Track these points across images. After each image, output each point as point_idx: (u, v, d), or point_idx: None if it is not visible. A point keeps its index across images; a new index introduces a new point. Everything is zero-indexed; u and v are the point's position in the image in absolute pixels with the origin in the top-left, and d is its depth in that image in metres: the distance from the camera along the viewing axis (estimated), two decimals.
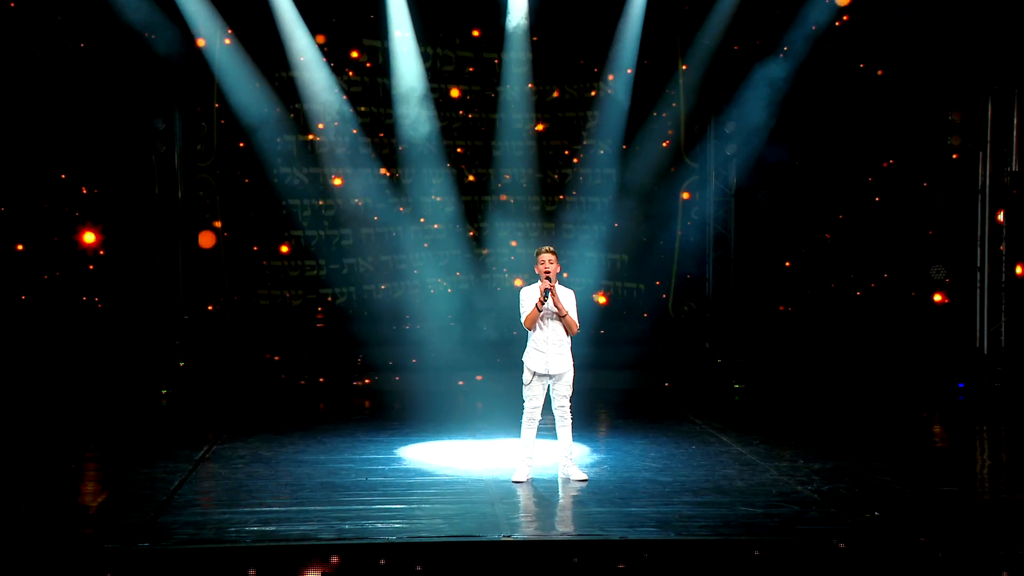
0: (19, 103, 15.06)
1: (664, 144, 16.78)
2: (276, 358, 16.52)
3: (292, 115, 16.28)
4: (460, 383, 16.20)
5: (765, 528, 8.29)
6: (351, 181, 16.52)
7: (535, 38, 16.35)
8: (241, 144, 16.11)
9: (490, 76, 16.81)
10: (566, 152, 16.95)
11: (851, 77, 16.32)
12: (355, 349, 16.54)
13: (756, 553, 7.80)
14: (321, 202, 16.49)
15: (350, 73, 16.43)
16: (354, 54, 16.39)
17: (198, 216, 16.22)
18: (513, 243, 16.84)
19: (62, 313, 15.69)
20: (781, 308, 16.87)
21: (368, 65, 16.49)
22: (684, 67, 16.58)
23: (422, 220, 16.78)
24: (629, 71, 16.38)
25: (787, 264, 16.87)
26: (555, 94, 16.84)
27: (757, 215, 16.82)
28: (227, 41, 15.74)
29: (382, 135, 16.61)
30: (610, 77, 16.63)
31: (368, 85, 16.57)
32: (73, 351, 15.52)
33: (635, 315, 16.95)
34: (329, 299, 16.64)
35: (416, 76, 16.39)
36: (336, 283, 16.66)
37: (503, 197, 16.87)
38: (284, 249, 16.44)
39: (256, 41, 15.97)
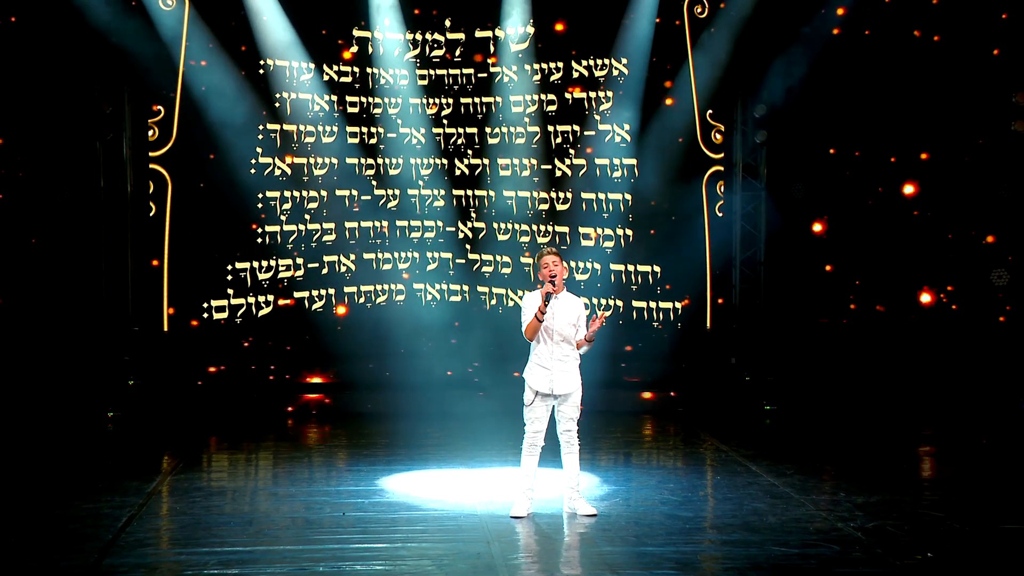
0: None
1: (680, 135, 16.81)
2: (243, 371, 16.54)
3: (277, 104, 16.41)
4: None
5: (801, 571, 8.28)
6: (335, 172, 16.63)
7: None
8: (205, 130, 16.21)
9: (484, 56, 16.83)
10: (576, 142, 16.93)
11: (903, 51, 16.33)
12: (332, 364, 16.56)
13: None
14: (304, 193, 16.63)
15: (339, 65, 16.59)
16: (346, 54, 16.56)
17: (147, 212, 16.23)
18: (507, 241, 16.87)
19: None
20: (819, 319, 16.85)
21: (356, 54, 16.62)
22: (690, 39, 16.63)
23: (405, 222, 16.86)
24: (645, 41, 16.49)
25: (827, 268, 16.85)
26: (560, 72, 16.86)
27: (791, 212, 16.81)
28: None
29: (370, 126, 16.73)
30: (623, 61, 16.66)
31: (357, 75, 16.67)
32: (4, 367, 15.47)
33: (653, 328, 16.92)
34: (305, 304, 16.66)
35: (403, 63, 16.56)
36: (314, 285, 16.68)
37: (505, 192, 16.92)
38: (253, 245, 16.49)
39: (234, 25, 16.16)
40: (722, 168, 16.84)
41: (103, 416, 15.55)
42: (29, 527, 9.53)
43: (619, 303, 16.89)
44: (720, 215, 16.85)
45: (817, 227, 16.83)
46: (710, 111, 16.73)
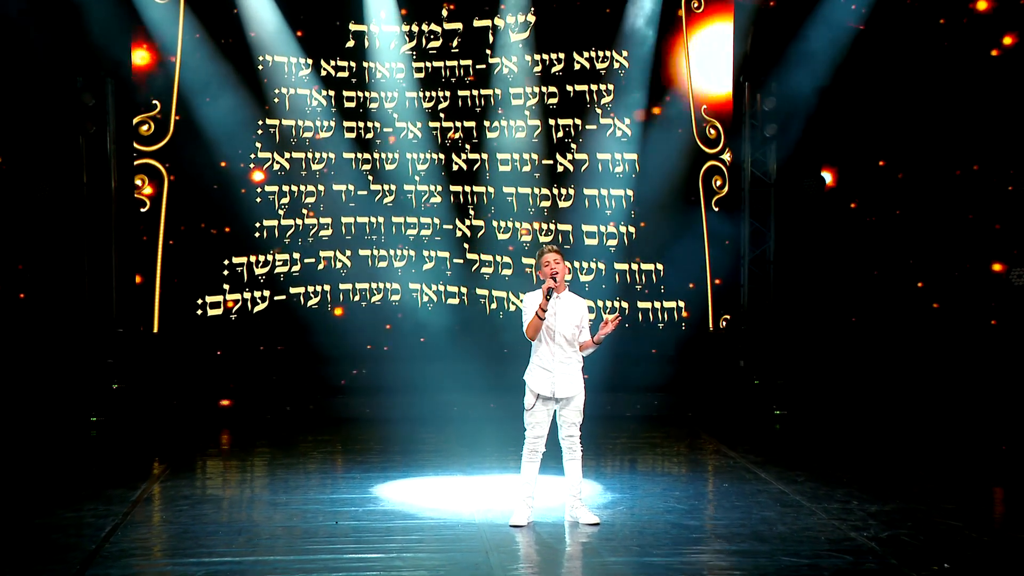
0: None
1: (678, 130, 16.85)
2: (234, 379, 16.55)
3: (276, 99, 16.47)
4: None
5: None
6: (332, 167, 16.71)
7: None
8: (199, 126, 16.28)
9: (483, 47, 16.84)
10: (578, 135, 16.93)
11: (914, 45, 16.34)
12: (324, 366, 16.58)
13: None
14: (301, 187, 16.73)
15: (335, 59, 16.66)
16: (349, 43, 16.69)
17: (136, 207, 16.24)
18: (511, 247, 16.86)
19: None
20: (830, 320, 16.83)
21: (353, 48, 16.68)
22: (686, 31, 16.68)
23: (401, 219, 16.89)
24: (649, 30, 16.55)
25: (838, 268, 16.84)
26: (562, 64, 16.87)
27: (802, 208, 16.80)
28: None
29: (366, 121, 16.77)
30: (624, 53, 16.68)
31: (354, 70, 16.73)
32: None
33: (658, 329, 16.92)
34: (300, 300, 16.70)
35: (399, 56, 16.63)
36: (310, 281, 16.73)
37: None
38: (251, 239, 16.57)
39: (229, 20, 16.22)
40: (717, 164, 16.84)
41: (86, 421, 15.54)
42: (9, 537, 9.52)
43: (624, 304, 16.89)
44: (716, 209, 16.87)
45: (825, 225, 16.86)
46: (704, 106, 16.78)
